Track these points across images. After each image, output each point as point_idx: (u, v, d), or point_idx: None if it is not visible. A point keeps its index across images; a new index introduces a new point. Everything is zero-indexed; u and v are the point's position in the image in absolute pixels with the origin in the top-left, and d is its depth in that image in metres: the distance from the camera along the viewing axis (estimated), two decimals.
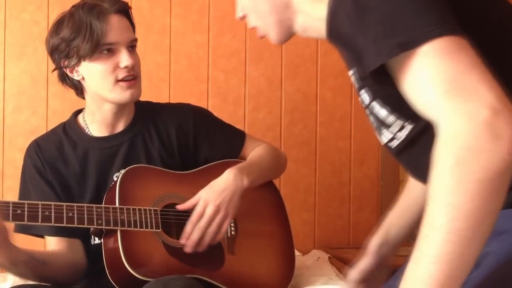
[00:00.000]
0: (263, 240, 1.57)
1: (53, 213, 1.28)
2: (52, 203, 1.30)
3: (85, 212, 1.31)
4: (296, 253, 2.17)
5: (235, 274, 1.47)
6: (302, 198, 2.28)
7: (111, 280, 1.36)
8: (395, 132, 0.97)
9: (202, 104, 2.20)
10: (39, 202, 1.28)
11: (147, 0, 2.19)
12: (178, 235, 1.44)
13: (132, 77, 1.45)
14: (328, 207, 2.30)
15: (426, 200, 0.76)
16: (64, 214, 1.29)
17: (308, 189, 2.29)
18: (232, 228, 1.52)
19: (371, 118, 1.02)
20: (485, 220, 0.73)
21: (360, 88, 0.98)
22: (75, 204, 1.32)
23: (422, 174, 1.03)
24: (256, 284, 1.50)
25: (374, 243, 1.33)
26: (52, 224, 1.28)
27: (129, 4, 2.17)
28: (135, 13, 2.19)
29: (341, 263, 1.96)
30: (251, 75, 2.26)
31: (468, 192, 0.72)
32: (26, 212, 1.25)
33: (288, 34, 1.14)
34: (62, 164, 1.49)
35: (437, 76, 0.77)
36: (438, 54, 0.77)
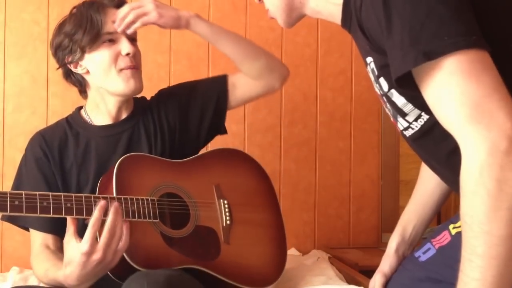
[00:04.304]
0: (257, 229, 1.58)
1: (51, 204, 1.26)
2: (50, 193, 1.28)
3: (84, 202, 1.29)
4: (296, 253, 2.18)
5: (230, 263, 1.48)
6: (302, 198, 2.28)
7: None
8: (411, 121, 0.99)
9: None
10: (37, 193, 1.25)
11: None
12: (173, 225, 1.44)
13: (134, 66, 1.49)
14: (328, 207, 2.30)
15: (461, 221, 0.80)
16: (63, 205, 1.27)
17: (308, 189, 2.29)
18: (227, 217, 1.53)
19: (388, 106, 1.04)
20: None
21: (378, 76, 0.99)
22: (73, 195, 1.30)
23: (435, 163, 1.05)
24: (251, 273, 1.51)
25: (392, 244, 1.36)
26: (51, 215, 1.26)
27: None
28: None
29: (341, 263, 1.96)
30: None
31: (502, 220, 0.76)
32: (24, 203, 1.23)
33: (297, 19, 1.14)
34: (65, 155, 1.51)
35: (461, 97, 0.79)
36: (464, 73, 0.79)
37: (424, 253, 1.25)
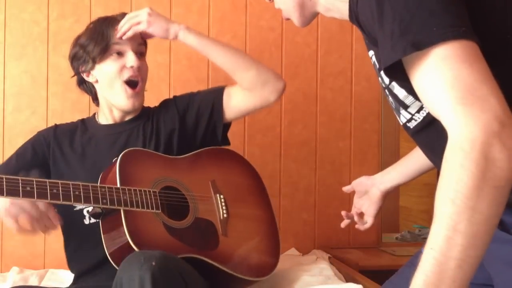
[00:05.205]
0: (251, 223, 1.66)
1: (60, 191, 1.33)
2: (59, 181, 1.35)
3: (91, 191, 1.38)
4: (296, 253, 2.18)
5: (229, 254, 1.54)
6: (302, 198, 2.28)
7: (110, 259, 1.41)
8: (413, 113, 1.00)
9: None
10: (47, 180, 1.33)
11: (147, 0, 2.19)
12: (174, 217, 1.50)
13: (137, 81, 1.60)
14: (328, 207, 2.30)
15: (440, 196, 0.79)
16: (71, 192, 1.35)
17: (308, 189, 2.29)
18: (224, 211, 1.60)
19: (390, 99, 1.05)
20: (496, 225, 0.77)
21: (379, 70, 1.00)
22: (80, 183, 1.38)
23: (437, 156, 1.06)
24: (248, 264, 1.57)
25: (375, 179, 1.52)
26: (61, 201, 1.33)
27: (130, 4, 2.18)
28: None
29: (341, 263, 1.96)
30: None
31: (488, 198, 0.76)
32: (35, 189, 1.30)
33: (310, 16, 1.16)
34: (67, 142, 1.64)
35: (453, 80, 0.79)
36: (456, 58, 0.79)
37: None
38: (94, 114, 1.74)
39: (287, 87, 2.27)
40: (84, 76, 1.65)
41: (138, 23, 1.59)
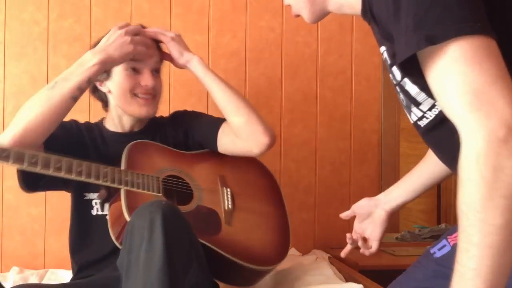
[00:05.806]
0: (259, 217, 1.67)
1: (63, 165, 1.38)
2: (63, 158, 1.39)
3: (92, 168, 1.42)
4: (296, 253, 2.18)
5: (231, 241, 1.54)
6: (302, 198, 2.28)
7: (112, 236, 1.45)
8: (425, 111, 0.99)
9: (202, 104, 2.20)
10: (51, 156, 1.38)
11: (147, 0, 2.19)
12: (178, 202, 1.53)
13: (150, 96, 1.64)
14: (328, 207, 2.30)
15: (457, 209, 0.79)
16: (74, 168, 1.39)
17: (308, 189, 2.29)
18: (229, 202, 1.61)
19: (401, 96, 1.03)
20: None
21: (391, 65, 0.99)
22: (83, 162, 1.42)
23: (448, 155, 1.04)
24: (250, 252, 1.56)
25: (379, 199, 1.49)
26: (62, 175, 1.38)
27: (130, 4, 2.18)
28: (135, 13, 2.19)
29: (341, 263, 1.96)
30: (251, 75, 2.26)
31: (498, 208, 0.75)
32: (39, 161, 1.36)
33: (321, 13, 1.14)
34: (87, 134, 1.67)
35: (463, 85, 0.78)
36: (466, 61, 0.78)
37: (439, 249, 1.25)
38: (102, 119, 1.76)
39: (287, 87, 2.28)
40: (97, 84, 1.67)
41: (164, 35, 1.65)
